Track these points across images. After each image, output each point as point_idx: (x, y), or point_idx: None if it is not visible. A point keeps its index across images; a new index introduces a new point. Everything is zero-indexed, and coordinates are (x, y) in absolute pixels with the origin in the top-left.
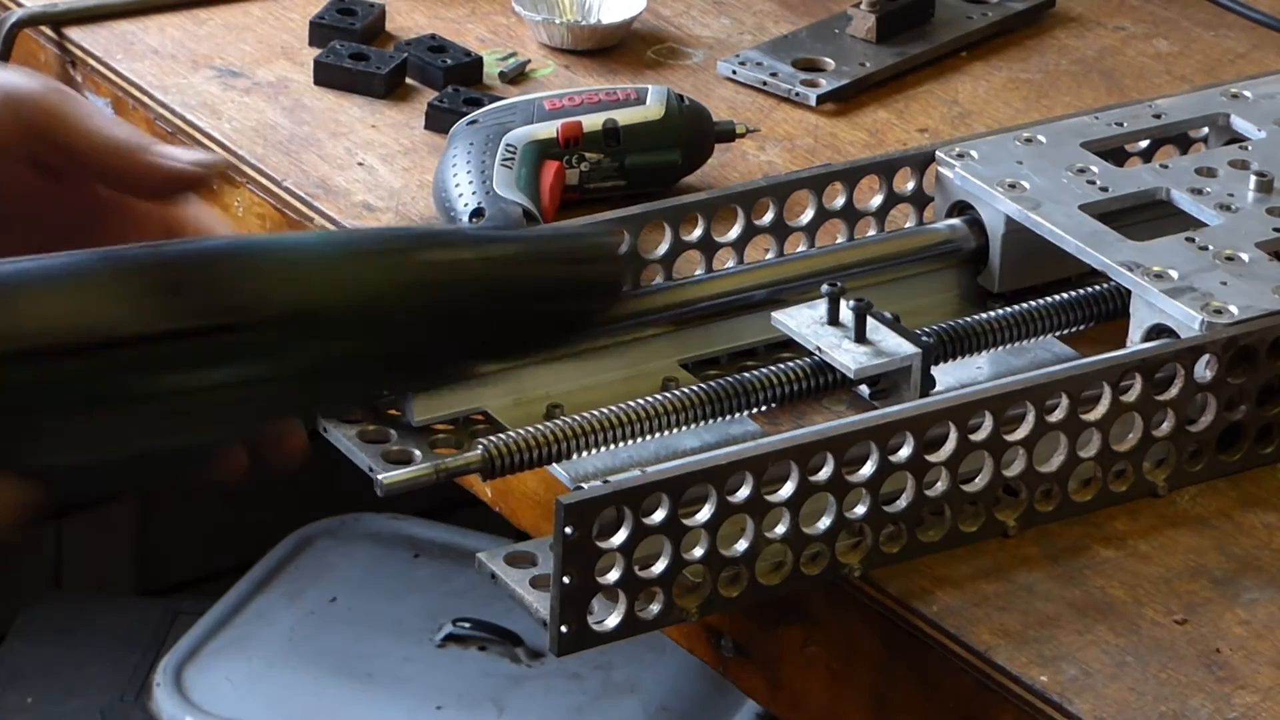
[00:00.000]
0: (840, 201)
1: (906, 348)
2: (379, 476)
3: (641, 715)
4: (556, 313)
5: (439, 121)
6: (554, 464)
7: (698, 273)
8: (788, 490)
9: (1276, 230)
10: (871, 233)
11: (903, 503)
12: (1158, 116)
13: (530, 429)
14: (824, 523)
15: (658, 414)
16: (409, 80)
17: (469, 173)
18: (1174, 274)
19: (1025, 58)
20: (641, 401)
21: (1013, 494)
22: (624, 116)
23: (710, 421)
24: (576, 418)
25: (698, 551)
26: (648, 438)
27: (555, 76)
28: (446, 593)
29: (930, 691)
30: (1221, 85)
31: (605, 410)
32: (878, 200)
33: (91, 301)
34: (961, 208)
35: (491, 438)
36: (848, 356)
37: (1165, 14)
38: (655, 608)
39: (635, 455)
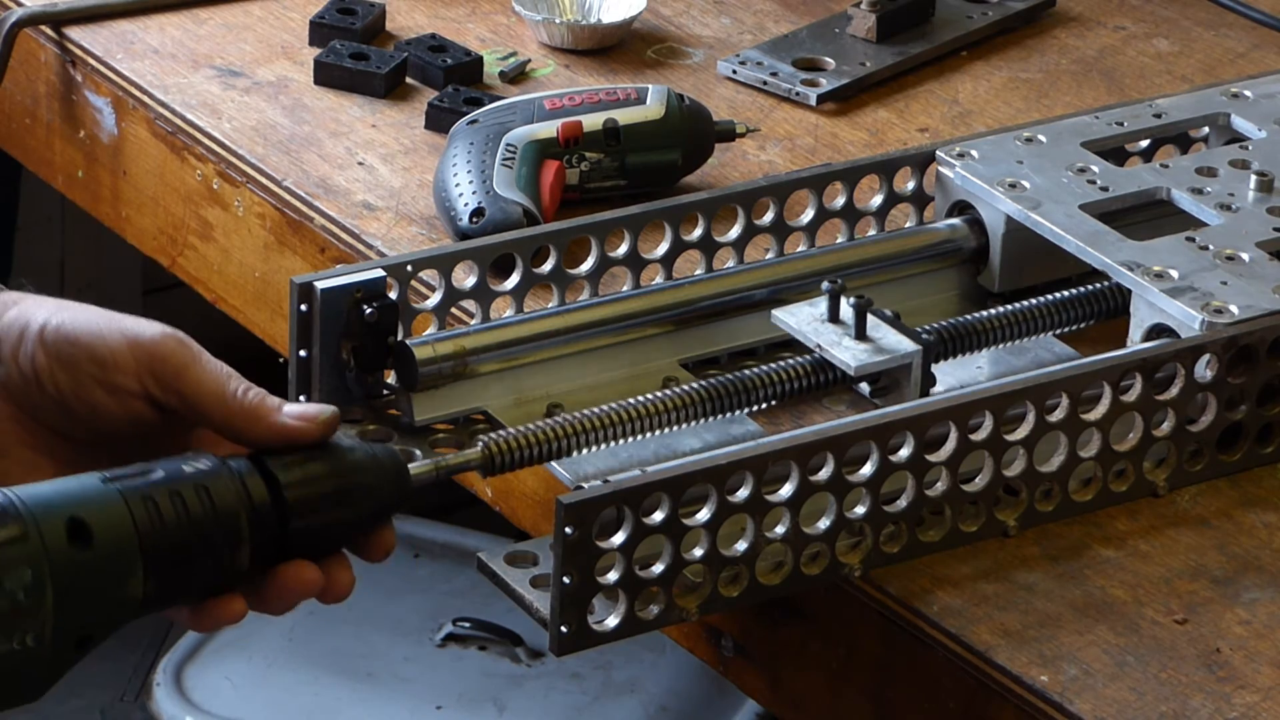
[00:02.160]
0: (840, 201)
1: (907, 345)
2: None
3: (641, 715)
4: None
5: (439, 121)
6: (554, 461)
7: (698, 273)
8: (788, 490)
9: (1277, 230)
10: (872, 232)
11: (903, 503)
12: (1158, 116)
13: (530, 426)
14: (824, 523)
15: (658, 412)
16: (409, 80)
17: (469, 172)
18: (1174, 274)
19: (1025, 57)
20: (641, 399)
21: (1013, 494)
22: (624, 116)
23: (710, 420)
24: (576, 415)
25: (698, 551)
26: (648, 435)
27: (555, 76)
28: (446, 593)
29: (930, 691)
30: (1221, 85)
31: (605, 408)
32: (878, 200)
33: None
34: (962, 207)
35: (492, 435)
36: (848, 354)
37: (1165, 14)
38: (655, 608)
39: (635, 455)
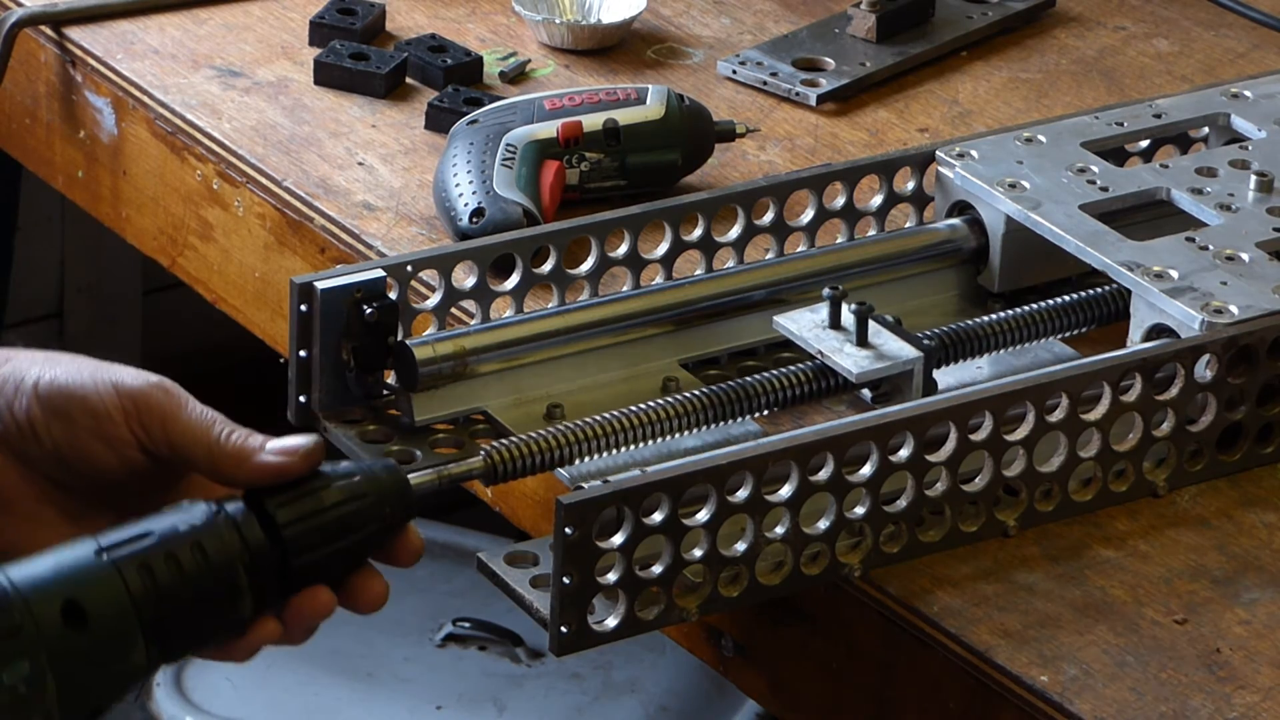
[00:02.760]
0: (840, 201)
1: (908, 351)
2: None
3: (641, 715)
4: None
5: (439, 121)
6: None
7: (698, 273)
8: (788, 490)
9: (1276, 230)
10: (872, 232)
11: (903, 503)
12: (1158, 116)
13: (532, 435)
14: (824, 523)
15: (659, 419)
16: (409, 80)
17: (469, 172)
18: (1174, 274)
19: (1025, 57)
20: (643, 406)
21: (1013, 494)
22: (624, 116)
23: (711, 425)
24: (578, 423)
25: (698, 551)
26: (649, 443)
27: (555, 76)
28: (446, 593)
29: (930, 691)
30: (1221, 85)
31: (607, 415)
32: (878, 200)
33: None
34: (962, 207)
35: (494, 443)
36: (849, 360)
37: (1165, 14)
38: (655, 608)
39: (635, 455)
